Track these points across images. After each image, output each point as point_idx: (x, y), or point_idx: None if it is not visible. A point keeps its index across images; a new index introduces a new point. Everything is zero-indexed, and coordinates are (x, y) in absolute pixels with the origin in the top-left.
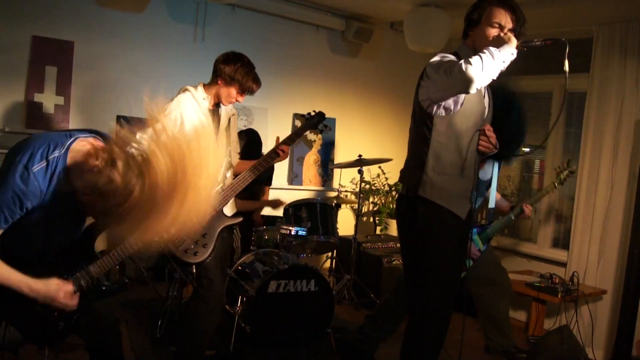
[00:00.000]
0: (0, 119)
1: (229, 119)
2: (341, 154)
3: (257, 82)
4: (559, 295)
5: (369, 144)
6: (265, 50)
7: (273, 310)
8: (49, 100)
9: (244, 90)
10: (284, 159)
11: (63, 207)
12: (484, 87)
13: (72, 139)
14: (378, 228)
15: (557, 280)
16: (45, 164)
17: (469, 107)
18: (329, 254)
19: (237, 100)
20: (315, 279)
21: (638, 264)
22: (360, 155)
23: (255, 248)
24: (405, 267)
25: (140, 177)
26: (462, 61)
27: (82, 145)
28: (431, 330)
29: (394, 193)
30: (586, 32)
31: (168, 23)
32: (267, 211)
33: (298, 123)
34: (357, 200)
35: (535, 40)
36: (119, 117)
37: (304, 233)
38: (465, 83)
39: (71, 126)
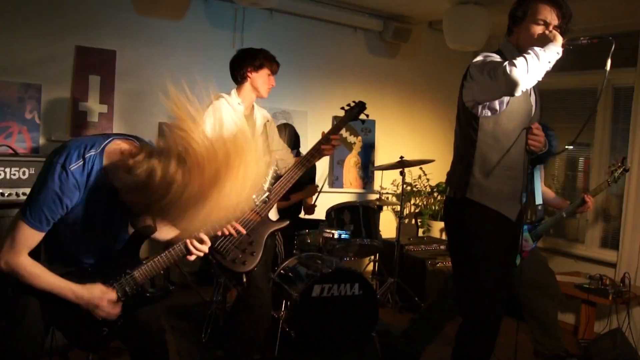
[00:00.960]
0: (47, 128)
1: (264, 124)
2: (381, 156)
3: (277, 62)
4: (610, 297)
5: (410, 145)
6: (303, 54)
7: (317, 315)
8: (93, 108)
9: (273, 72)
10: (332, 152)
11: (104, 209)
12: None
13: (108, 139)
14: (420, 230)
15: (607, 282)
16: (82, 162)
17: (515, 106)
18: (372, 257)
19: (272, 85)
20: (359, 283)
21: None
22: (402, 157)
23: (298, 252)
24: (454, 270)
25: (180, 166)
26: (506, 63)
27: (118, 145)
28: (482, 334)
29: (435, 194)
30: (633, 25)
31: (207, 29)
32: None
33: None
34: (398, 203)
35: (582, 38)
36: (161, 124)
37: (347, 236)
38: (510, 86)
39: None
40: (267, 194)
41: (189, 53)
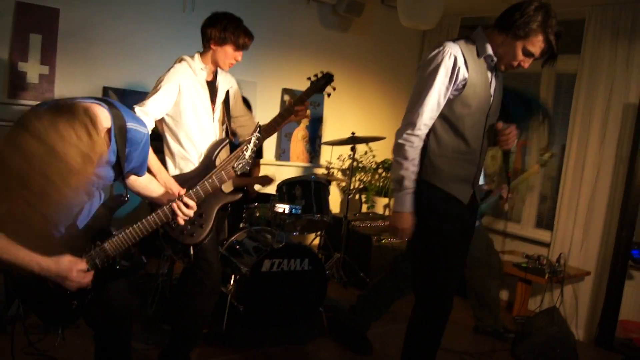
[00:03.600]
0: None
1: (227, 91)
2: (329, 131)
3: (249, 34)
4: (546, 277)
5: (358, 121)
6: (255, 23)
7: (266, 290)
8: (33, 69)
9: (239, 47)
10: (302, 118)
11: None
12: (492, 75)
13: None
14: (365, 206)
15: (544, 262)
16: None
17: (471, 92)
18: (318, 232)
19: (236, 60)
20: (309, 258)
21: (625, 247)
22: (353, 133)
23: (247, 225)
24: (409, 249)
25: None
26: (406, 141)
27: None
28: (434, 315)
29: (380, 171)
30: (578, 13)
31: None
32: (256, 188)
33: (287, 98)
34: (344, 178)
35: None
36: (105, 88)
37: (298, 211)
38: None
39: (56, 97)
40: (248, 162)
41: (137, 15)
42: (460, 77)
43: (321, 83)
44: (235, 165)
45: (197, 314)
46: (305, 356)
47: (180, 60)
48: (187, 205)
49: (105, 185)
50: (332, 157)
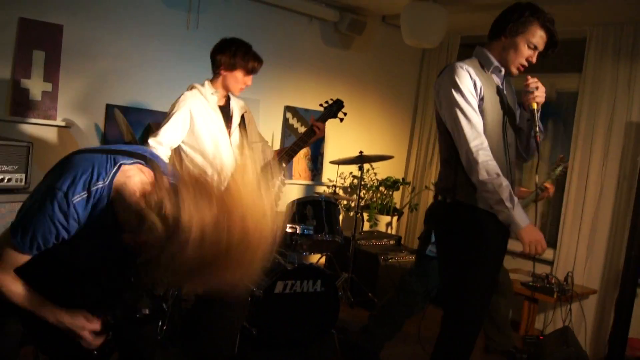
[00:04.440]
0: None
1: (242, 115)
2: (331, 149)
3: (259, 59)
4: (555, 296)
5: (359, 138)
6: (258, 41)
7: (279, 311)
8: (36, 86)
9: (249, 72)
10: (321, 135)
11: (105, 246)
12: (502, 86)
13: (117, 166)
14: (367, 224)
15: (553, 280)
16: (86, 195)
17: (489, 106)
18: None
19: (246, 85)
20: (321, 279)
21: (635, 265)
22: (361, 152)
23: None
24: (442, 273)
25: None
26: (483, 166)
27: (127, 174)
28: (468, 333)
29: (382, 189)
30: (579, 32)
31: (161, 8)
32: None
33: (289, 115)
34: (347, 196)
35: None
36: (108, 106)
37: (310, 232)
38: (468, 168)
39: (59, 114)
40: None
41: (141, 32)
42: (479, 91)
43: (334, 109)
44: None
45: (224, 338)
46: None
47: (191, 87)
48: None
49: None
50: (332, 175)
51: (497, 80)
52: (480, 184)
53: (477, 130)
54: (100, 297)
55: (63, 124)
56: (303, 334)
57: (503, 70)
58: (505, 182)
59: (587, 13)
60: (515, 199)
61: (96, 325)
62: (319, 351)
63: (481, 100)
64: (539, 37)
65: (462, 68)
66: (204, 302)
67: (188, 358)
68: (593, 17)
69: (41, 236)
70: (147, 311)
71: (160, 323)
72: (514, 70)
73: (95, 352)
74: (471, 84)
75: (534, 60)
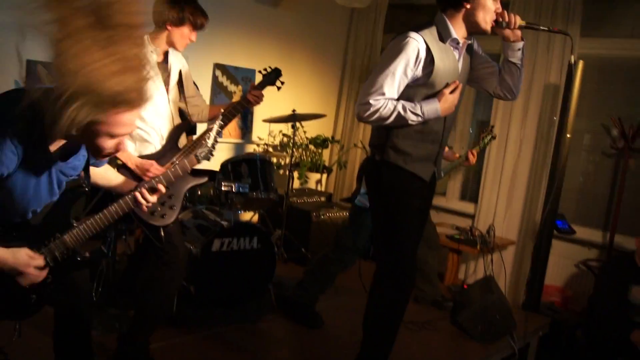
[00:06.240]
0: None
1: (180, 71)
2: (261, 107)
3: (205, 15)
4: (478, 247)
5: (289, 97)
6: None
7: (216, 269)
8: None
9: (197, 27)
10: (259, 103)
11: (35, 171)
12: (459, 57)
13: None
14: (297, 182)
15: (476, 233)
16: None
17: (437, 79)
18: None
19: (191, 40)
20: (257, 237)
21: (551, 218)
22: (294, 110)
23: (190, 205)
24: (374, 225)
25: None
26: (370, 103)
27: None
28: (398, 285)
29: (312, 147)
30: None
31: None
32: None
33: (219, 73)
34: (278, 154)
35: (542, 26)
36: (29, 62)
37: (246, 190)
38: (357, 115)
39: None
40: (210, 150)
41: None
42: (422, 68)
43: (272, 77)
44: (198, 153)
45: (164, 297)
46: (260, 334)
47: None
48: (153, 191)
49: (74, 177)
50: (262, 133)
51: (454, 52)
52: (372, 115)
53: (390, 90)
54: (38, 236)
55: None
56: (240, 290)
57: (461, 42)
58: (391, 104)
59: None
60: (411, 104)
61: (40, 260)
62: (257, 307)
63: (430, 72)
64: None
65: (414, 40)
66: (139, 262)
67: (127, 318)
68: None
69: None
70: (87, 254)
71: (94, 283)
72: (488, 28)
73: (34, 297)
74: (413, 60)
75: (500, 8)
